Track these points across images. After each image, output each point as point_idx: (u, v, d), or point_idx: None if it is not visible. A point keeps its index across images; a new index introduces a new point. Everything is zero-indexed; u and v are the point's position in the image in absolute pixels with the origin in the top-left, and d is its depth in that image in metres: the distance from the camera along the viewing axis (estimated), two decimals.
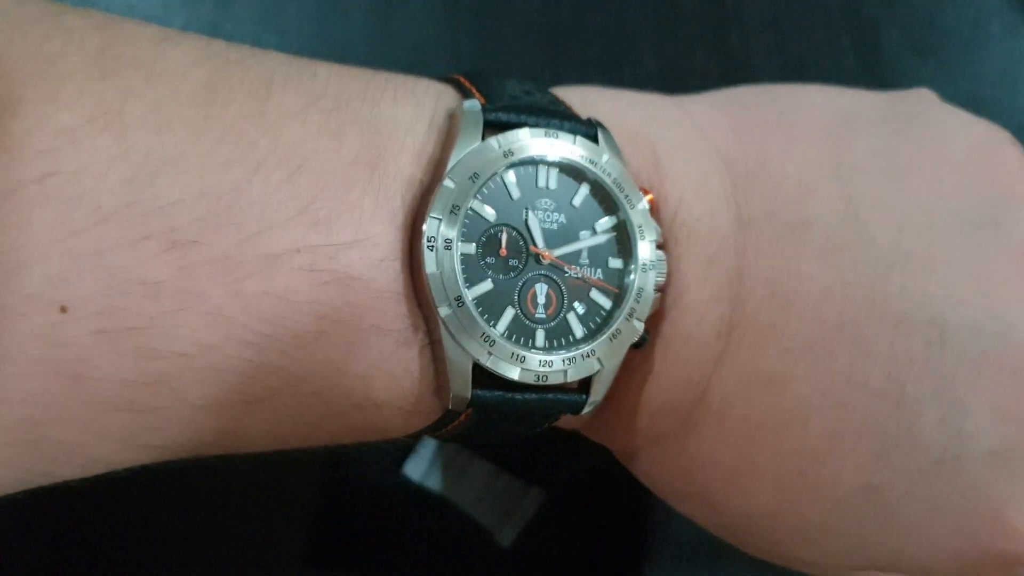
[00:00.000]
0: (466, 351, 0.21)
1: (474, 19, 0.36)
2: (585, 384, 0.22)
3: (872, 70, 0.37)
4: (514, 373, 0.21)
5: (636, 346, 0.22)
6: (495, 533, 0.33)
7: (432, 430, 0.23)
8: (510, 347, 0.21)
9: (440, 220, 0.21)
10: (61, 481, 0.20)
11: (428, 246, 0.20)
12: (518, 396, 0.22)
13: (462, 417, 0.22)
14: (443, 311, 0.20)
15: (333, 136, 0.20)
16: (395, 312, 0.20)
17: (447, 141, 0.21)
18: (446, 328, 0.21)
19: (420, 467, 0.33)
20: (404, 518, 0.32)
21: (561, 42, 0.36)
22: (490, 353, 0.21)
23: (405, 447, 0.33)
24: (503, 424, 0.22)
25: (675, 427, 0.24)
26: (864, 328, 0.22)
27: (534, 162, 0.22)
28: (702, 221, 0.23)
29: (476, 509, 0.33)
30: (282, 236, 0.19)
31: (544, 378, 0.21)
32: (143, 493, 0.30)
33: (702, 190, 0.23)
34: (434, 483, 0.33)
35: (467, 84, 0.23)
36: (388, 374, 0.21)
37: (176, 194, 0.19)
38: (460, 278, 0.21)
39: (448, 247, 0.21)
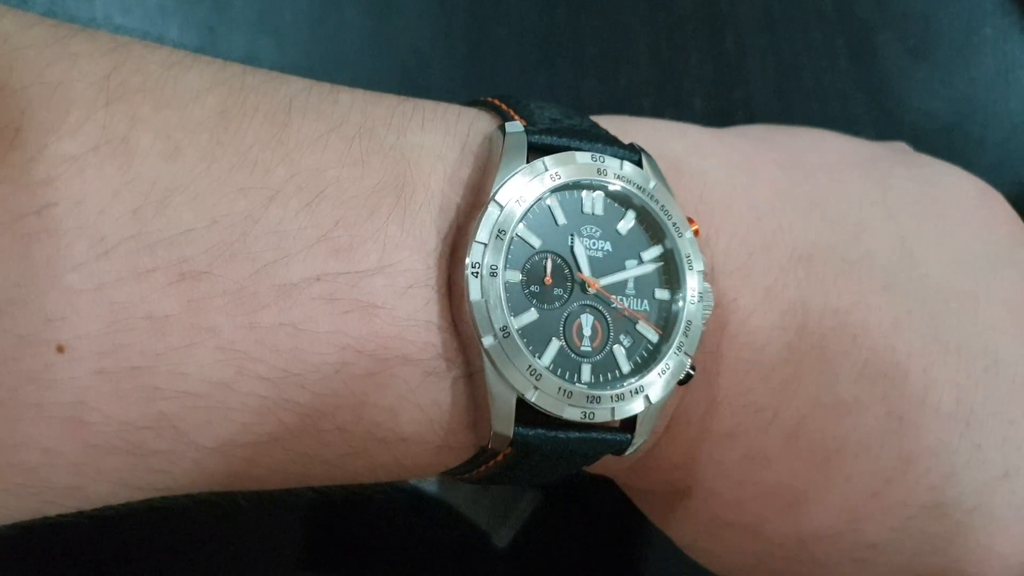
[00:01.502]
0: (510, 385, 0.20)
1: (470, 21, 0.36)
2: (630, 423, 0.21)
3: (866, 73, 0.38)
4: (560, 410, 0.20)
5: (682, 382, 0.22)
6: (491, 534, 0.33)
7: (462, 471, 0.22)
8: (556, 381, 0.20)
9: (485, 246, 0.20)
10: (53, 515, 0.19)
11: (473, 272, 0.19)
12: (561, 435, 0.20)
13: (499, 457, 0.21)
14: (487, 341, 0.19)
15: (355, 163, 0.19)
16: (424, 341, 0.19)
17: (488, 165, 0.21)
18: (489, 359, 0.19)
19: None
20: (400, 519, 0.32)
21: (557, 44, 0.37)
22: (536, 387, 0.20)
23: None
24: (542, 465, 0.21)
25: (740, 456, 0.23)
26: (931, 356, 0.23)
27: (580, 187, 0.21)
28: (756, 255, 0.23)
29: (472, 510, 0.33)
30: (300, 265, 0.18)
31: (591, 415, 0.20)
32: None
33: (754, 223, 0.23)
34: (430, 484, 0.33)
35: (504, 107, 0.22)
36: (416, 405, 0.20)
37: (186, 223, 0.18)
38: (505, 307, 0.20)
39: (493, 274, 0.20)
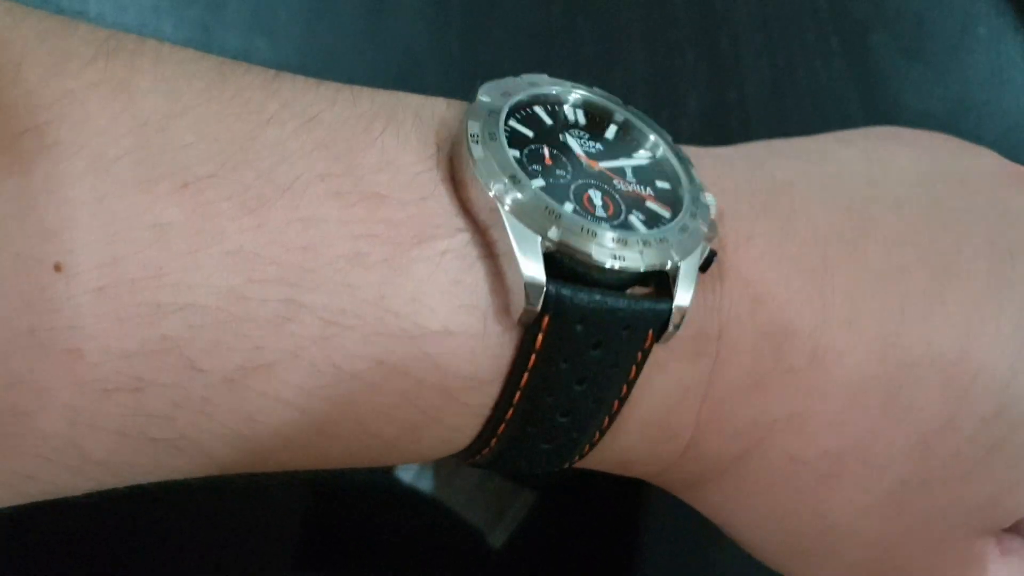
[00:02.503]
0: (530, 225, 0.18)
1: (465, 20, 0.36)
2: (664, 291, 0.20)
3: (860, 72, 0.38)
4: (588, 247, 0.18)
5: (703, 267, 0.20)
6: (487, 534, 0.33)
7: (501, 403, 0.20)
8: (579, 220, 0.19)
9: (482, 122, 0.19)
10: (49, 495, 0.18)
11: (473, 140, 0.19)
12: (597, 295, 0.19)
13: (539, 338, 0.19)
14: (496, 189, 0.18)
15: (347, 100, 0.19)
16: (437, 223, 0.19)
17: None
18: (502, 205, 0.18)
19: (411, 468, 0.33)
20: (395, 519, 0.32)
21: (552, 44, 0.37)
22: (557, 226, 0.18)
23: None
24: (582, 342, 0.19)
25: (795, 408, 0.21)
26: None
27: (560, 101, 0.21)
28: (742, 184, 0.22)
29: (468, 510, 0.33)
30: (303, 165, 0.18)
31: (622, 258, 0.19)
32: (131, 494, 0.30)
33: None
34: (425, 484, 0.33)
35: None
36: (438, 289, 0.18)
37: (187, 141, 0.17)
38: (511, 157, 0.19)
39: (493, 138, 0.19)
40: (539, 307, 0.18)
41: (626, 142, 0.22)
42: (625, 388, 0.20)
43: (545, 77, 0.22)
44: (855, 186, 0.23)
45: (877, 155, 0.24)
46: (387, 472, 0.32)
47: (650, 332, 0.20)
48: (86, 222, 0.16)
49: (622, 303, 0.19)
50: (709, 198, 0.21)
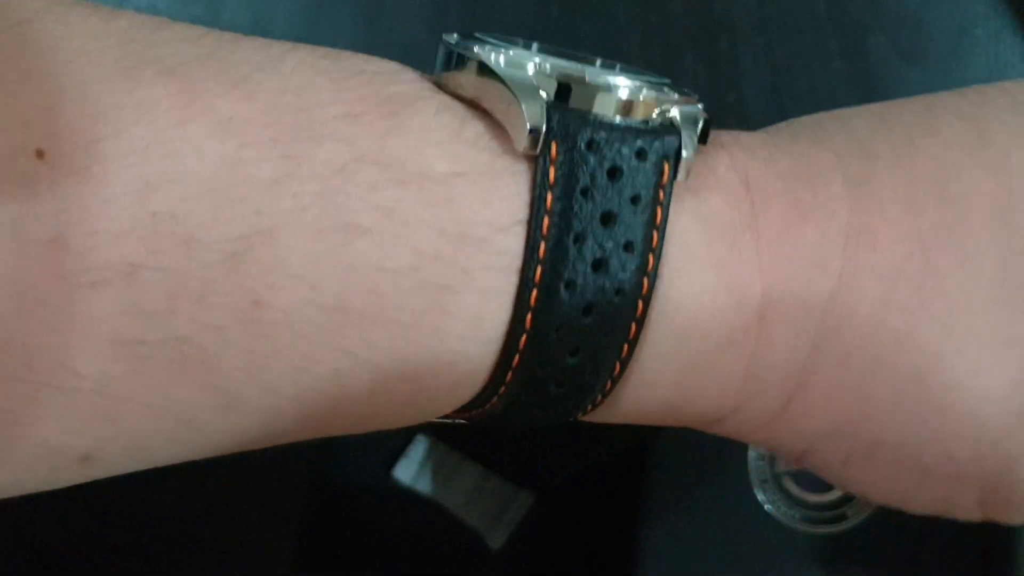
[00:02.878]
0: (519, 71, 0.18)
1: (463, 21, 0.36)
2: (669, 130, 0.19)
3: (859, 75, 0.38)
4: (582, 73, 0.18)
5: (702, 138, 0.19)
6: (485, 535, 0.33)
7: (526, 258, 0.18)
8: (569, 63, 0.19)
9: (451, 38, 0.19)
10: (40, 460, 0.16)
11: (447, 42, 0.19)
12: (602, 117, 0.18)
13: (551, 170, 0.18)
14: (478, 51, 0.18)
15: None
16: (427, 91, 0.18)
17: None
18: (487, 61, 0.18)
19: (410, 470, 0.33)
20: (394, 521, 0.32)
21: (550, 43, 0.37)
22: (548, 64, 0.18)
23: (395, 449, 0.33)
24: (596, 172, 0.18)
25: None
26: None
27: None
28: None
29: (466, 511, 0.33)
30: (286, 56, 0.18)
31: (617, 87, 0.18)
32: (131, 494, 0.30)
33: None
34: (424, 486, 0.33)
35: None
36: (439, 137, 0.18)
37: (172, 44, 0.17)
38: (486, 44, 0.19)
39: (465, 40, 0.19)
40: (542, 127, 0.17)
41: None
42: (656, 235, 0.18)
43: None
44: None
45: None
46: (386, 473, 0.33)
47: (665, 164, 0.18)
48: (68, 107, 0.15)
49: (629, 129, 0.18)
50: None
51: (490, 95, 0.18)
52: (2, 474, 0.16)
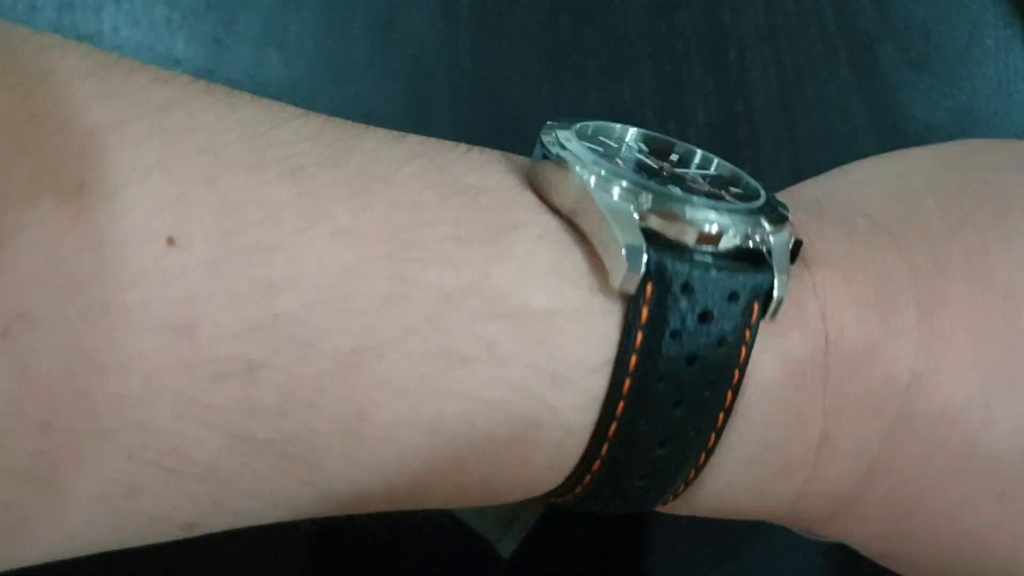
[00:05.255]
0: (620, 199, 0.18)
1: (474, 33, 0.36)
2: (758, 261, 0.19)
3: (868, 84, 0.38)
4: (683, 209, 0.18)
5: (792, 256, 0.20)
6: (495, 544, 0.33)
7: (613, 384, 0.18)
8: (670, 189, 0.19)
9: (551, 135, 0.20)
10: (142, 526, 0.17)
11: (549, 145, 0.19)
12: (698, 260, 0.18)
13: (643, 311, 0.18)
14: (580, 171, 0.18)
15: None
16: (527, 212, 0.19)
17: None
18: (589, 185, 0.18)
19: None
20: (402, 529, 0.32)
21: (560, 57, 0.37)
22: (648, 192, 0.18)
23: None
24: (685, 313, 0.18)
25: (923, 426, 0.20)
26: None
27: (620, 134, 0.22)
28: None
29: (476, 519, 0.33)
30: (399, 166, 0.18)
31: (716, 223, 0.18)
32: None
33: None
34: None
35: None
36: (539, 268, 0.18)
37: (292, 138, 0.18)
38: (590, 151, 0.19)
39: (567, 144, 0.19)
40: (641, 271, 0.18)
41: (690, 163, 0.22)
42: (737, 373, 0.19)
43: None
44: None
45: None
46: None
47: (755, 305, 0.19)
48: (199, 198, 0.16)
49: (724, 269, 0.18)
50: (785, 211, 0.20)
51: (587, 218, 0.18)
52: (113, 538, 0.17)
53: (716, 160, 0.22)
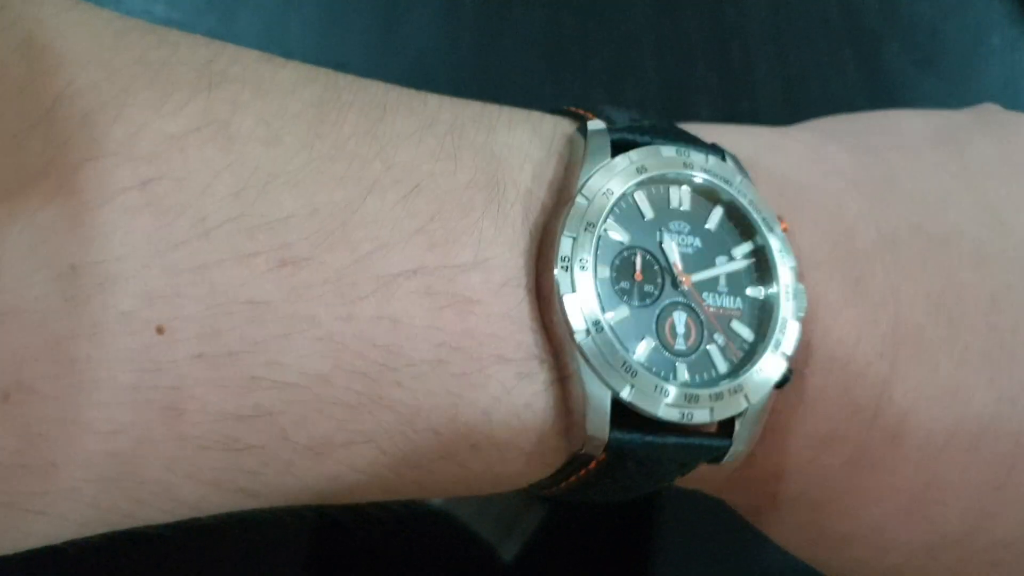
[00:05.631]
0: (605, 382, 0.19)
1: (476, 31, 0.36)
2: (727, 429, 0.21)
3: (873, 82, 0.38)
4: (658, 408, 0.19)
5: (779, 385, 0.21)
6: (497, 547, 0.33)
7: (549, 483, 0.21)
8: (653, 379, 0.19)
9: (574, 239, 0.19)
10: (134, 525, 0.18)
11: (563, 267, 0.19)
12: (658, 440, 0.20)
13: (591, 464, 0.20)
14: (580, 336, 0.19)
15: (448, 159, 0.19)
16: (518, 341, 0.19)
17: (571, 164, 0.20)
18: (583, 355, 0.19)
19: None
20: (404, 532, 0.32)
21: (563, 55, 0.37)
22: (632, 385, 0.19)
23: None
24: (635, 474, 0.20)
25: (843, 460, 0.22)
26: None
27: (666, 180, 0.21)
28: (840, 245, 0.22)
29: (478, 523, 0.33)
30: (398, 256, 0.18)
31: (689, 416, 0.20)
32: None
33: (835, 212, 0.22)
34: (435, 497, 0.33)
35: (582, 112, 0.22)
36: (510, 409, 0.19)
37: (286, 209, 0.17)
38: (596, 299, 0.19)
39: (583, 268, 0.19)
40: (599, 455, 0.19)
41: (728, 231, 0.21)
42: (667, 483, 0.21)
43: (670, 134, 0.22)
44: (960, 259, 0.23)
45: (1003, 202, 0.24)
46: None
47: (702, 462, 0.21)
48: (188, 291, 0.16)
49: (678, 448, 0.20)
50: (801, 292, 0.21)
51: (571, 365, 0.19)
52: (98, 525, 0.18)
53: (756, 219, 0.21)
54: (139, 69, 0.17)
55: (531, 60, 0.36)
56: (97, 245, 0.16)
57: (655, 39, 0.37)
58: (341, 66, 0.34)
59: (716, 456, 0.21)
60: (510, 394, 0.19)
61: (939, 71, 0.38)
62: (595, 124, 0.21)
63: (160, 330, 0.16)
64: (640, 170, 0.20)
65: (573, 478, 0.20)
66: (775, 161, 0.23)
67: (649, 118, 0.22)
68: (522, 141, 0.20)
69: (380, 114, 0.19)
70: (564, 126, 0.21)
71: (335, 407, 0.18)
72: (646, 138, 0.21)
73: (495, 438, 0.19)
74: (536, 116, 0.21)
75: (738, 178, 0.21)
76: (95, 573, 0.30)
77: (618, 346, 0.19)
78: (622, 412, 0.19)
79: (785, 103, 0.37)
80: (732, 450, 0.20)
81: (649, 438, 0.20)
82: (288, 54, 0.35)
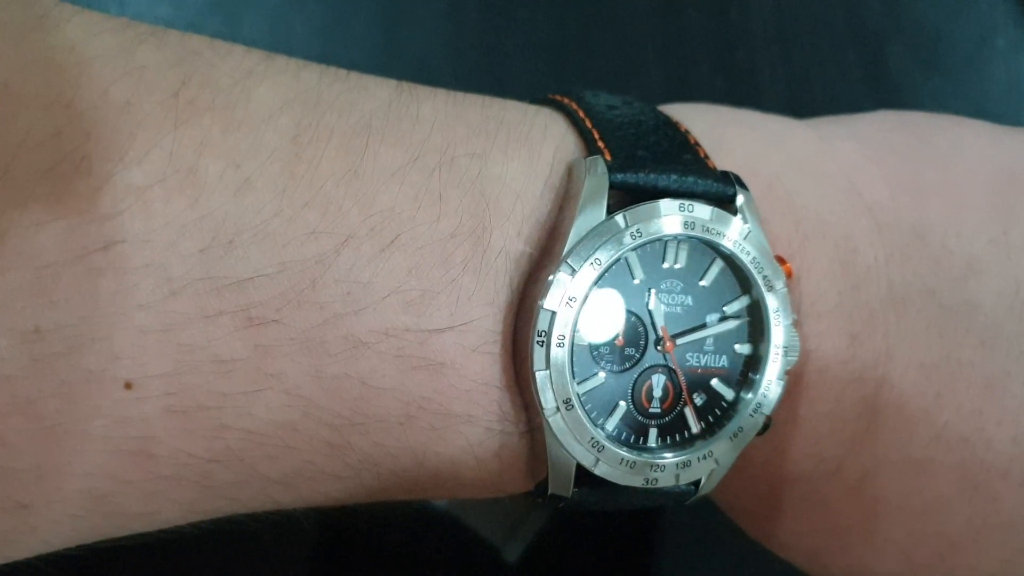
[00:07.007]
0: (571, 455, 0.19)
1: (479, 34, 0.36)
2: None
3: (878, 84, 0.38)
4: (622, 479, 0.19)
5: (758, 434, 0.21)
6: (501, 549, 0.33)
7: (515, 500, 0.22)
8: (619, 452, 0.19)
9: (553, 313, 0.18)
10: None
11: (539, 342, 0.18)
12: (621, 497, 0.20)
13: (558, 504, 0.20)
14: (549, 413, 0.19)
15: (433, 203, 0.18)
16: (488, 400, 0.19)
17: (565, 205, 0.19)
18: (550, 430, 0.19)
19: None
20: (409, 533, 0.32)
21: (567, 57, 0.37)
22: (597, 460, 0.19)
23: None
24: (597, 510, 0.21)
25: (797, 498, 0.22)
26: None
27: (663, 240, 0.19)
28: (846, 296, 0.21)
29: (482, 524, 0.33)
30: (369, 318, 0.18)
31: (654, 481, 0.20)
32: None
33: (850, 259, 0.21)
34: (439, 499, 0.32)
35: (567, 102, 0.21)
36: (476, 458, 0.19)
37: (254, 267, 0.17)
38: (569, 376, 0.19)
39: (560, 344, 0.19)
40: (560, 503, 0.20)
41: (725, 284, 0.20)
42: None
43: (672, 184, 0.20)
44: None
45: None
46: None
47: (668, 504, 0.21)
48: (154, 350, 0.17)
49: (642, 497, 0.20)
50: (794, 345, 0.20)
51: (540, 431, 0.19)
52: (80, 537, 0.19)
53: (754, 274, 0.20)
54: (102, 111, 0.17)
55: (535, 61, 0.36)
56: (60, 308, 0.16)
57: (659, 40, 0.37)
58: (344, 67, 0.34)
59: (680, 500, 0.21)
60: (477, 447, 0.19)
61: (943, 73, 0.38)
62: (594, 161, 0.19)
63: (128, 386, 0.17)
64: (634, 235, 0.19)
65: (541, 500, 0.20)
66: (801, 186, 0.22)
67: (646, 111, 0.21)
68: (516, 175, 0.19)
69: (363, 144, 0.18)
70: (566, 146, 0.20)
71: (303, 452, 0.18)
72: (650, 179, 0.19)
73: (461, 479, 0.20)
74: (536, 136, 0.20)
75: (746, 231, 0.20)
76: (95, 573, 0.30)
77: (587, 422, 0.19)
78: (587, 471, 0.19)
79: (789, 105, 0.37)
80: (697, 496, 0.21)
81: (612, 496, 0.20)
82: (292, 55, 0.35)
